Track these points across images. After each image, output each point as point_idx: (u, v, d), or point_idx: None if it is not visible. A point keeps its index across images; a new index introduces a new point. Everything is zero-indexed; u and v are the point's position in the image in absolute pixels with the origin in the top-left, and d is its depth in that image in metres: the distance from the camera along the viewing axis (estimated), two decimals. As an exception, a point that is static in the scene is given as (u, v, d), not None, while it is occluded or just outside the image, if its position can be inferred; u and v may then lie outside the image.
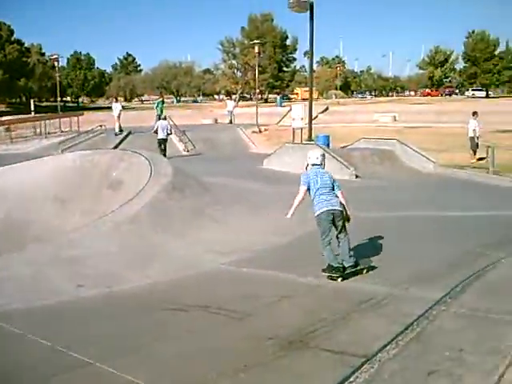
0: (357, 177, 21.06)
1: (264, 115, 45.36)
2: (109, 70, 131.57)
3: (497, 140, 26.00)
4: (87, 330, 6.91)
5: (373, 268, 9.50)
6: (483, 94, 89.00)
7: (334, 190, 9.39)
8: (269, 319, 7.28)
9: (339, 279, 8.97)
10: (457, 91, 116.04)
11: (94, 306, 8.13)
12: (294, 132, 30.51)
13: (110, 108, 42.91)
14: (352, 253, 9.36)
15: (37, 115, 45.67)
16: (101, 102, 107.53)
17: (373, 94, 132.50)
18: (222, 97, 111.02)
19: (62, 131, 39.94)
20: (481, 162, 23.32)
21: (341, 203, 9.27)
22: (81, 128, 39.09)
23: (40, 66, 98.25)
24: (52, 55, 61.02)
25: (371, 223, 13.60)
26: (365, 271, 9.29)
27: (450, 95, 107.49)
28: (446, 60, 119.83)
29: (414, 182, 20.55)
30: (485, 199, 16.33)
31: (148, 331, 6.93)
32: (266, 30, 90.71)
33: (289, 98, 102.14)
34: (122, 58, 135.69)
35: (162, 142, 27.93)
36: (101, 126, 36.75)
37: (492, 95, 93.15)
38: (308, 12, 25.96)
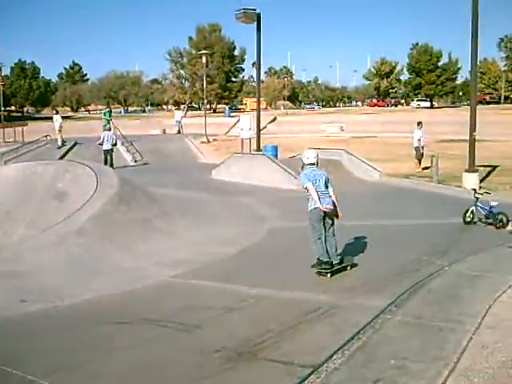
0: (305, 187, 21.19)
1: (212, 125, 45.36)
2: (55, 79, 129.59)
3: (441, 149, 26.60)
4: (30, 346, 6.74)
5: (355, 265, 10.17)
6: (428, 104, 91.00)
7: (327, 188, 9.95)
8: (217, 331, 7.24)
9: (328, 275, 9.55)
10: (402, 102, 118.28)
11: (38, 321, 7.92)
12: (242, 142, 30.58)
13: (56, 118, 42.06)
14: (338, 251, 10.05)
15: (-22, 125, 44.54)
16: (46, 112, 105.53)
17: (320, 104, 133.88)
18: (170, 107, 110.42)
19: (5, 142, 39.06)
20: (426, 171, 23.77)
21: (333, 202, 9.91)
22: (25, 138, 38.22)
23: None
24: (-6, 64, 59.62)
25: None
26: (349, 268, 9.99)
27: (396, 105, 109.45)
28: (392, 71, 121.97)
29: (360, 192, 20.81)
30: (429, 208, 16.67)
31: (93, 345, 6.81)
32: (214, 40, 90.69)
33: (237, 109, 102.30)
34: (68, 67, 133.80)
35: (108, 153, 27.75)
36: (46, 136, 35.92)
37: (436, 105, 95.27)
38: (255, 23, 26.16)
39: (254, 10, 25.96)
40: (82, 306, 8.59)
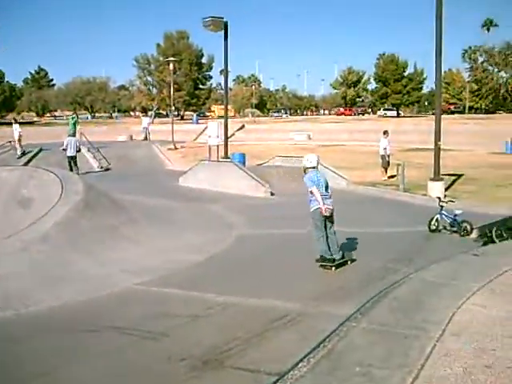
0: (272, 194, 21.27)
1: (180, 132, 45.22)
2: (20, 84, 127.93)
3: (406, 158, 26.92)
4: (-7, 355, 6.63)
5: (354, 260, 11.12)
6: (394, 113, 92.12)
7: (327, 190, 10.77)
8: (183, 339, 7.21)
9: (333, 268, 10.53)
10: (369, 110, 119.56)
11: (1, 328, 7.79)
12: (210, 149, 30.53)
13: (21, 123, 41.55)
14: (339, 246, 10.91)
15: None
16: (11, 117, 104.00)
17: (288, 112, 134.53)
18: (137, 113, 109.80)
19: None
20: (392, 179, 24.03)
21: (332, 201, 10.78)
22: (-12, 144, 37.56)
23: None
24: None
25: (286, 239, 13.77)
26: (349, 262, 10.96)
27: (363, 114, 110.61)
28: (359, 80, 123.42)
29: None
30: (395, 216, 16.83)
31: (58, 354, 6.71)
32: (182, 47, 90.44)
33: (205, 116, 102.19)
34: (33, 72, 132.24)
35: (72, 159, 27.80)
36: (10, 141, 35.30)
37: (403, 115, 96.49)
38: (223, 31, 26.23)
39: (222, 18, 26.03)
40: (46, 313, 8.46)
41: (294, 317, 7.79)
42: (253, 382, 5.60)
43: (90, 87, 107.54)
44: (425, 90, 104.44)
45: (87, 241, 11.78)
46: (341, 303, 8.34)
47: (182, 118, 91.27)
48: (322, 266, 10.69)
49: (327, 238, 10.68)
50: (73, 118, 34.98)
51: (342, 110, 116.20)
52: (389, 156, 25.74)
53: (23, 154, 33.02)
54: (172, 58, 50.47)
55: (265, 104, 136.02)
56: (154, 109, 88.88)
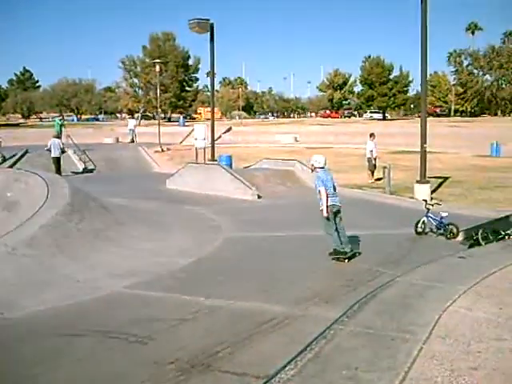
0: (259, 197, 21.27)
1: (167, 134, 45.11)
2: (5, 85, 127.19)
3: (393, 161, 27.00)
4: (-23, 360, 6.57)
5: (360, 253, 11.87)
6: (380, 116, 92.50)
7: (335, 189, 11.68)
8: (170, 343, 7.18)
9: (346, 260, 11.39)
10: (355, 113, 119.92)
11: (-14, 334, 7.73)
12: (196, 152, 30.52)
13: (7, 125, 41.27)
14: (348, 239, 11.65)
15: None
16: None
17: (275, 115, 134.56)
18: (124, 115, 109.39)
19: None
20: (378, 182, 24.09)
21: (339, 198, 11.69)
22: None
23: None
24: None
25: (273, 242, 13.78)
26: (357, 254, 11.77)
27: (350, 117, 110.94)
28: (345, 83, 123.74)
29: (313, 202, 20.85)
30: (381, 218, 16.87)
31: (44, 359, 6.68)
32: (168, 49, 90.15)
33: (192, 118, 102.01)
34: (18, 73, 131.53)
35: (56, 161, 28.31)
36: None
37: (389, 117, 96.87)
38: (209, 33, 26.24)
39: (208, 20, 26.04)
40: (31, 318, 8.40)
41: (281, 320, 7.80)
42: (240, 386, 5.60)
43: (76, 89, 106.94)
44: (410, 93, 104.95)
45: (73, 244, 11.71)
46: (328, 306, 8.37)
47: (169, 120, 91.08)
48: (335, 258, 11.51)
49: (338, 232, 11.44)
50: (60, 120, 35.10)
51: (328, 112, 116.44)
52: (375, 159, 25.78)
53: (3, 160, 32.10)
54: (158, 60, 50.31)
55: (251, 106, 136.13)
56: (141, 111, 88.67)
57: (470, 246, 12.68)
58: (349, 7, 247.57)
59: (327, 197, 11.25)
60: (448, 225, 13.70)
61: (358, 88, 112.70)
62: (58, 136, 31.45)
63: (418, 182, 20.15)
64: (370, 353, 5.76)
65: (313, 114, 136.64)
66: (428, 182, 20.17)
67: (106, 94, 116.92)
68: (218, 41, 26.67)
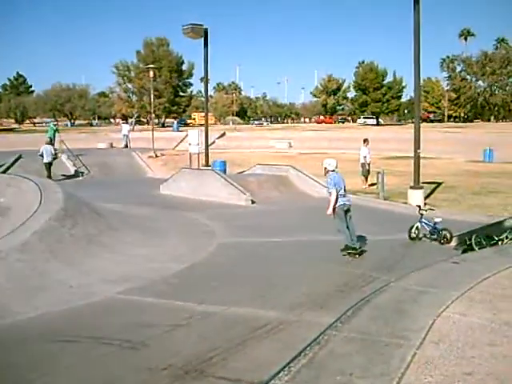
0: (253, 202, 21.27)
1: (161, 140, 45.09)
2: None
3: (386, 166, 27.05)
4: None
5: (365, 251, 12.78)
6: (374, 121, 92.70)
7: (345, 189, 12.71)
8: (164, 348, 7.16)
9: (357, 256, 12.37)
10: (349, 119, 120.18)
11: (-22, 340, 7.68)
12: (190, 157, 30.50)
13: (0, 130, 41.15)
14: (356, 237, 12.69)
15: None
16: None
17: (269, 120, 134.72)
18: (118, 120, 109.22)
19: None
20: (372, 187, 24.13)
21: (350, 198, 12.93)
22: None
23: None
24: None
25: (267, 248, 13.77)
26: (364, 252, 12.64)
27: (343, 122, 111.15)
28: (339, 88, 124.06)
29: (307, 207, 20.95)
30: (375, 224, 16.85)
31: (37, 364, 6.65)
32: (162, 54, 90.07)
33: (186, 123, 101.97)
34: (12, 78, 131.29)
35: (48, 166, 28.75)
36: None
37: (382, 123, 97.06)
38: (202, 39, 26.28)
39: (202, 25, 26.08)
40: (25, 323, 8.36)
41: (275, 325, 7.80)
42: (234, 392, 5.58)
43: (70, 94, 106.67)
44: (404, 99, 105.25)
45: (67, 250, 11.66)
46: (322, 311, 8.37)
47: (163, 126, 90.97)
48: (347, 254, 12.45)
49: (349, 229, 12.53)
50: (54, 126, 35.34)
51: (322, 118, 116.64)
52: (369, 164, 25.84)
53: None
54: (152, 65, 50.28)
55: (245, 112, 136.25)
56: (135, 116, 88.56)
57: (464, 252, 12.70)
58: (343, 13, 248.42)
59: (337, 197, 12.37)
60: (441, 230, 13.73)
61: (351, 94, 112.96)
62: (51, 142, 31.59)
63: (411, 187, 20.18)
64: (364, 358, 5.74)
65: (307, 120, 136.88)
66: (422, 188, 20.21)
67: (100, 99, 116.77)
68: (211, 46, 26.75)
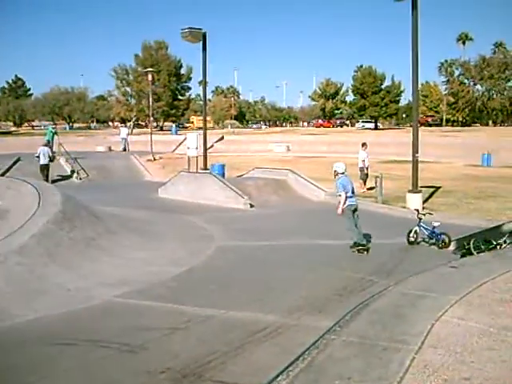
0: (251, 206, 21.27)
1: (159, 143, 45.08)
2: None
3: (385, 170, 27.10)
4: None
5: (369, 248, 13.53)
6: (372, 125, 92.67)
7: (353, 191, 13.83)
8: (162, 352, 7.15)
9: (365, 252, 13.32)
10: (347, 122, 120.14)
11: (-24, 343, 7.67)
12: (189, 160, 30.51)
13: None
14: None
15: None
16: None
17: (267, 124, 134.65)
18: (116, 124, 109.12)
19: None
20: (370, 191, 24.13)
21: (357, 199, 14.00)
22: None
23: None
24: None
25: (266, 251, 13.76)
26: (370, 249, 13.48)
27: (342, 126, 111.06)
28: (337, 92, 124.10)
29: (305, 211, 20.99)
30: (374, 228, 16.83)
31: (35, 367, 6.63)
32: (160, 58, 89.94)
33: (184, 127, 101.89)
34: (10, 81, 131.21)
35: (44, 168, 29.00)
36: None
37: (381, 127, 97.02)
38: (201, 42, 26.29)
39: (200, 29, 26.10)
40: (24, 326, 8.36)
41: (274, 329, 7.80)
42: (232, 396, 5.57)
43: (68, 97, 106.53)
44: (402, 103, 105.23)
45: (65, 253, 11.65)
46: (320, 315, 8.37)
47: (161, 129, 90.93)
48: (358, 251, 13.34)
49: (356, 226, 13.48)
50: (53, 129, 35.62)
51: (320, 121, 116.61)
52: (367, 168, 25.86)
53: None
54: (150, 69, 50.31)
55: (244, 115, 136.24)
56: (133, 119, 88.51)
57: (462, 256, 12.70)
58: (341, 17, 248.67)
59: (346, 198, 13.30)
60: (440, 234, 13.74)
61: (350, 97, 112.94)
62: (48, 144, 31.79)
63: (409, 191, 20.20)
64: (363, 363, 5.74)
65: (305, 124, 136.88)
66: (420, 192, 20.22)
67: (99, 103, 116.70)
68: (210, 50, 26.82)
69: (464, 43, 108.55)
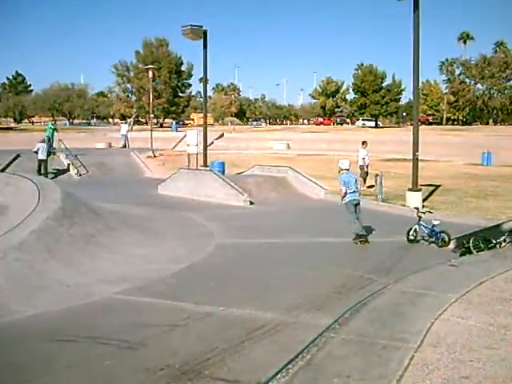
0: (251, 203, 21.27)
1: (159, 140, 45.08)
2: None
3: (385, 168, 27.08)
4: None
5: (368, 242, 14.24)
6: (373, 123, 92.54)
7: (356, 187, 14.51)
8: (161, 349, 7.15)
9: (367, 242, 14.10)
10: (348, 121, 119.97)
11: (-24, 339, 7.67)
12: (189, 157, 30.51)
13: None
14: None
15: None
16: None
17: (267, 121, 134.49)
18: (116, 120, 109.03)
19: None
20: (370, 189, 24.12)
21: (359, 194, 14.83)
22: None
23: None
24: None
25: (265, 248, 13.76)
26: (369, 241, 14.24)
27: (342, 124, 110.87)
28: (338, 90, 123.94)
29: (305, 209, 20.99)
30: (373, 226, 16.86)
31: (35, 363, 6.64)
32: (161, 55, 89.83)
33: (184, 124, 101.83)
34: (11, 77, 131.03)
35: (42, 163, 29.75)
36: None
37: (381, 125, 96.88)
38: (202, 40, 26.28)
39: (201, 26, 26.08)
40: (23, 322, 8.36)
41: (273, 327, 7.80)
42: (232, 393, 5.58)
43: (69, 94, 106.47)
44: (403, 101, 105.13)
45: (65, 249, 11.65)
46: (320, 313, 8.37)
47: (162, 126, 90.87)
48: (359, 242, 14.06)
49: (356, 220, 14.24)
50: (53, 125, 35.84)
51: (321, 119, 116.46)
52: (367, 166, 25.85)
53: None
54: (151, 66, 50.29)
55: (244, 113, 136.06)
56: (133, 116, 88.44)
57: (462, 254, 12.70)
58: (342, 16, 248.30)
59: (346, 193, 14.25)
60: (440, 233, 13.74)
61: (350, 96, 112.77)
62: (49, 141, 32.25)
63: (409, 189, 20.20)
64: (362, 361, 5.74)
65: (306, 121, 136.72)
66: (420, 190, 20.22)
67: (99, 99, 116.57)
68: (211, 47, 26.78)
69: (465, 42, 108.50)
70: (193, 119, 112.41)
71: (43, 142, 31.01)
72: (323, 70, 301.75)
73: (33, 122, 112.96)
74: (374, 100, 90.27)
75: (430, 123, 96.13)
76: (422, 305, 7.75)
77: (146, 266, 11.71)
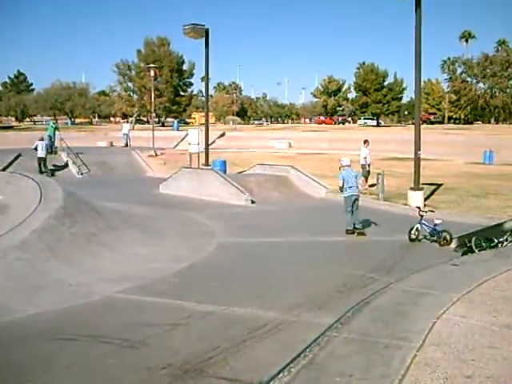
0: (253, 202, 21.25)
1: (161, 139, 45.06)
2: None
3: (386, 167, 27.04)
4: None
5: (365, 234, 15.10)
6: (374, 122, 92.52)
7: (355, 182, 15.29)
8: (163, 348, 7.15)
9: (354, 234, 15.03)
10: (349, 119, 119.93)
11: (-23, 338, 7.66)
12: (190, 156, 30.49)
13: (0, 128, 41.30)
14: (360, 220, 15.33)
15: None
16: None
17: (269, 120, 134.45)
18: (118, 119, 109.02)
19: None
20: (372, 188, 24.11)
21: (358, 190, 15.55)
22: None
23: None
24: None
25: (266, 247, 13.76)
26: (365, 234, 15.09)
27: (343, 123, 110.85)
28: (339, 89, 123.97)
29: (307, 208, 20.97)
30: (375, 225, 16.86)
31: (36, 362, 6.63)
32: (163, 54, 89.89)
33: (186, 123, 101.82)
34: (12, 76, 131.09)
35: (42, 160, 30.19)
36: None
37: (383, 124, 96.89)
38: (203, 39, 26.25)
39: (203, 25, 26.05)
40: (24, 321, 8.35)
41: (274, 326, 7.79)
42: (233, 392, 5.57)
43: (70, 93, 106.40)
44: (404, 100, 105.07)
45: (66, 248, 11.64)
46: (321, 312, 8.36)
47: (163, 125, 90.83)
48: (356, 234, 15.03)
49: (352, 213, 15.05)
50: (54, 124, 36.02)
51: (322, 118, 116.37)
52: (369, 165, 25.81)
53: None
54: (153, 65, 50.27)
55: (245, 112, 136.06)
56: (135, 115, 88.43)
57: (463, 254, 12.68)
58: (342, 16, 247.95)
59: (343, 186, 15.09)
60: (441, 232, 13.72)
61: (352, 94, 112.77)
62: (50, 139, 32.57)
63: (411, 188, 20.17)
64: (364, 360, 5.73)
65: (307, 120, 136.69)
66: (422, 189, 20.19)
67: (100, 98, 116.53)
68: (212, 46, 26.71)
69: (467, 41, 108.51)
70: (194, 118, 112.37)
71: (42, 139, 31.27)
72: (325, 68, 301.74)
73: (34, 121, 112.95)
74: (375, 99, 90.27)
75: (432, 122, 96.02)
76: (423, 304, 7.74)
77: (148, 265, 11.71)
